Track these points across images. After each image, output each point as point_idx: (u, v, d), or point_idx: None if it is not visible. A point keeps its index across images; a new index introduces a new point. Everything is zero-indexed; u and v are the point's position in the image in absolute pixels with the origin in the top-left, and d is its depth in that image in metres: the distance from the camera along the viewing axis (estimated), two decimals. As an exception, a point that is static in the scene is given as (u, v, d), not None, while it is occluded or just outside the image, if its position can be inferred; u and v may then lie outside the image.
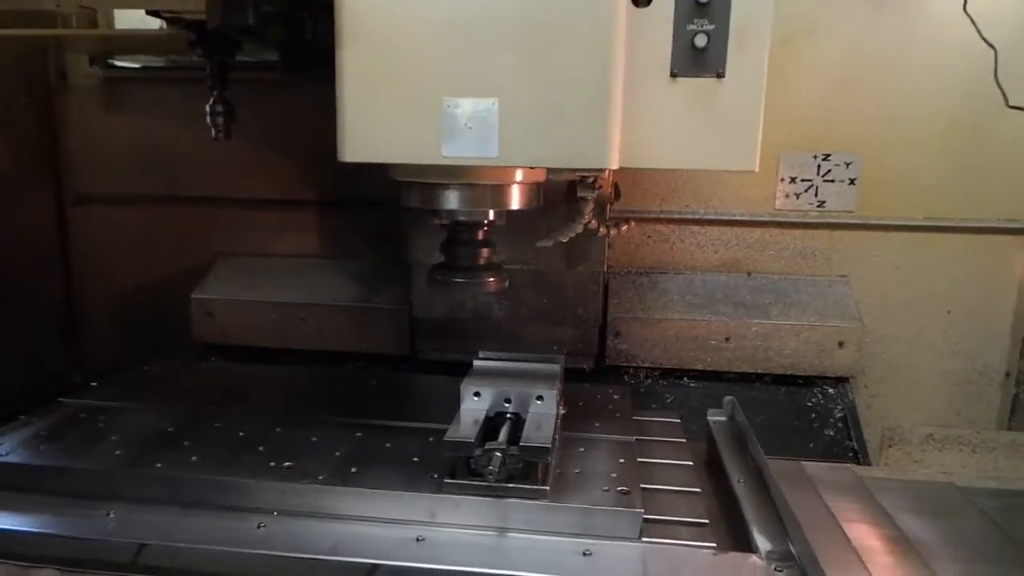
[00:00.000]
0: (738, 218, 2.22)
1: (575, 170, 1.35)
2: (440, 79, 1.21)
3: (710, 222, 2.23)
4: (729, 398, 1.72)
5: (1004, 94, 1.91)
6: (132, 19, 1.98)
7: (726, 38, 1.22)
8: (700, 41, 1.21)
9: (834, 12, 2.08)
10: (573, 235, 1.55)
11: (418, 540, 1.25)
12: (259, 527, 1.28)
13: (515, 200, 1.41)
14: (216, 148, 2.27)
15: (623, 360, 2.15)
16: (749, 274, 2.23)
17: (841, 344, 2.08)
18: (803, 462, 1.63)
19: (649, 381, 2.16)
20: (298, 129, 2.28)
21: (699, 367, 2.13)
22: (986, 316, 2.18)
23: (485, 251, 1.50)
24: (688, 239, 2.25)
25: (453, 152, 1.23)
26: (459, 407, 1.44)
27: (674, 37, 1.23)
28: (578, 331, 2.13)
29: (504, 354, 1.61)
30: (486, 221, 1.47)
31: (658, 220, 2.24)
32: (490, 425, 1.39)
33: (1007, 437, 2.16)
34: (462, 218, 1.44)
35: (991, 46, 1.88)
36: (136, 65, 2.37)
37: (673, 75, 1.23)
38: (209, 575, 1.22)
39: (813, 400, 2.10)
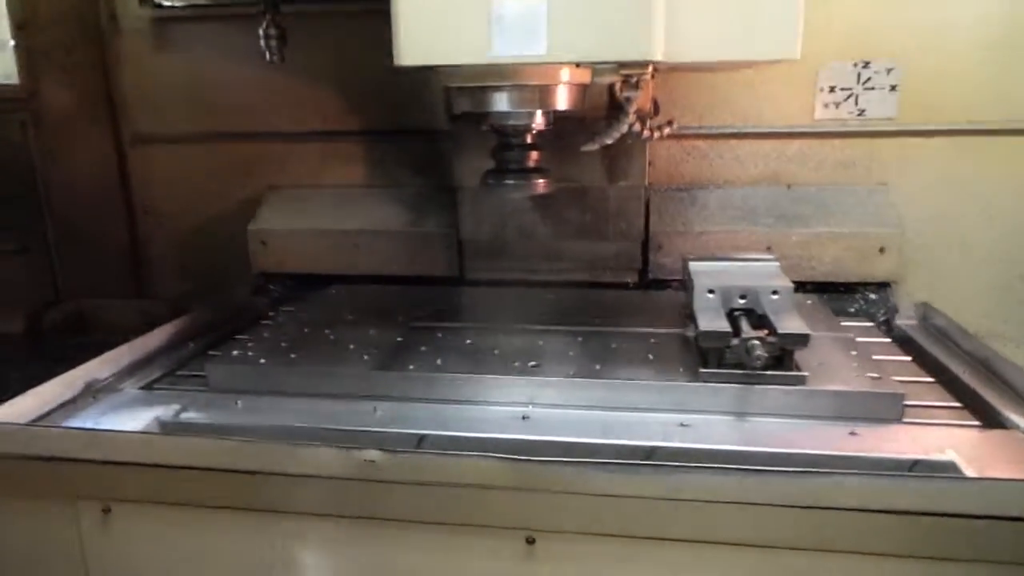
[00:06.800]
0: (777, 131, 2.23)
1: (620, 66, 1.39)
2: (489, -22, 1.26)
3: (748, 135, 2.25)
4: (922, 301, 1.93)
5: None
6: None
7: (767, -75, 1.25)
8: (742, -71, 1.24)
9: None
10: (618, 136, 1.59)
11: (682, 425, 1.28)
12: (524, 418, 1.33)
13: (561, 100, 1.47)
14: (263, 83, 2.37)
15: (666, 274, 2.20)
16: (789, 187, 2.25)
17: (882, 250, 2.11)
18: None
19: (692, 293, 2.22)
20: (343, 62, 2.35)
21: (741, 278, 2.18)
22: (1028, 221, 2.17)
23: (534, 154, 1.56)
24: (727, 154, 2.27)
25: (503, 51, 1.29)
26: (693, 305, 1.44)
27: (716, -73, 1.26)
28: (621, 246, 2.18)
29: (714, 256, 1.64)
30: (534, 124, 1.52)
31: (697, 136, 2.26)
32: (730, 319, 1.40)
33: (1050, 334, 2.17)
34: (511, 121, 1.50)
35: (1035, -61, 1.86)
36: (181, 3, 2.43)
37: (715, -35, 1.27)
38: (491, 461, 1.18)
39: (856, 306, 2.14)
